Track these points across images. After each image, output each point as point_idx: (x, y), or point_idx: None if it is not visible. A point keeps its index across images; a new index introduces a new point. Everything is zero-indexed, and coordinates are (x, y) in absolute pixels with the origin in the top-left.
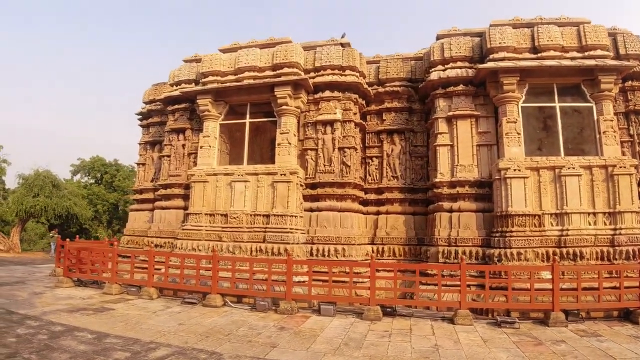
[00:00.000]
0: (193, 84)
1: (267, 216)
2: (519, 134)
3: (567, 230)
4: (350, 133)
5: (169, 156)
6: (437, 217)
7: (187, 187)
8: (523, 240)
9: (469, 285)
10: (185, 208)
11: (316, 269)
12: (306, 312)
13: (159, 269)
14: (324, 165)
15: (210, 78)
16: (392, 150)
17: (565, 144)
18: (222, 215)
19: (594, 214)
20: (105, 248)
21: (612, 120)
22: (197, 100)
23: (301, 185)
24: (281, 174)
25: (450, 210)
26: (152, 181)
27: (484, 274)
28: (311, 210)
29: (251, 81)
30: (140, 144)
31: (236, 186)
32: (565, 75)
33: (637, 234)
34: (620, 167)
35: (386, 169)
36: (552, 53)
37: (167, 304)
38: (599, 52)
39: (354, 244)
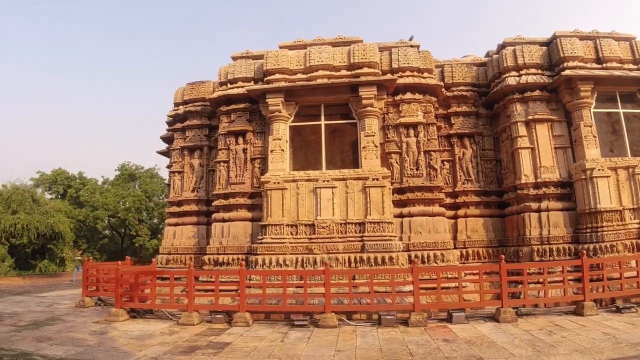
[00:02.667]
0: (252, 82)
1: (361, 224)
2: (595, 137)
3: None
4: (433, 136)
5: (226, 162)
6: (525, 218)
7: (252, 196)
8: (613, 234)
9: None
10: (252, 219)
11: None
12: (435, 322)
13: (228, 290)
14: (411, 169)
15: (278, 76)
16: (463, 154)
17: (631, 146)
18: (306, 225)
19: None
20: (171, 271)
21: None
22: (267, 100)
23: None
24: (373, 179)
25: (538, 210)
26: (193, 191)
27: (578, 268)
28: (401, 215)
29: (326, 80)
30: (173, 149)
31: (322, 193)
32: (626, 85)
33: None
34: None
35: (459, 172)
36: (614, 64)
37: (276, 330)
38: None
39: (449, 249)
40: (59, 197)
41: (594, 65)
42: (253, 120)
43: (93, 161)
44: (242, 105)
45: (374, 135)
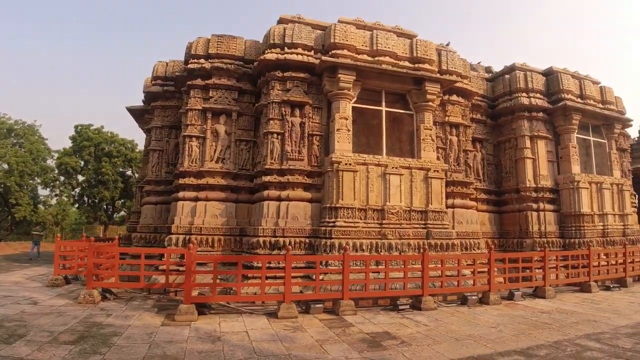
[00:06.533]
0: (312, 51)
1: (423, 212)
2: (577, 156)
3: (607, 225)
4: (469, 137)
5: (280, 134)
6: (528, 215)
7: (310, 174)
8: (590, 232)
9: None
10: (311, 200)
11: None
12: (501, 300)
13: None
14: (454, 165)
15: (345, 52)
16: (474, 157)
17: (597, 167)
18: (374, 210)
19: (614, 215)
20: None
21: (616, 153)
22: (339, 75)
23: None
24: (434, 170)
25: (537, 210)
26: (217, 162)
27: (565, 257)
28: (445, 206)
29: (390, 67)
30: (190, 109)
31: (391, 179)
32: (597, 119)
33: (636, 229)
34: (626, 186)
35: (472, 172)
36: (591, 102)
37: (387, 315)
38: (612, 107)
39: (480, 238)
40: None
41: (579, 100)
42: (310, 93)
43: None
44: (301, 75)
45: (431, 129)
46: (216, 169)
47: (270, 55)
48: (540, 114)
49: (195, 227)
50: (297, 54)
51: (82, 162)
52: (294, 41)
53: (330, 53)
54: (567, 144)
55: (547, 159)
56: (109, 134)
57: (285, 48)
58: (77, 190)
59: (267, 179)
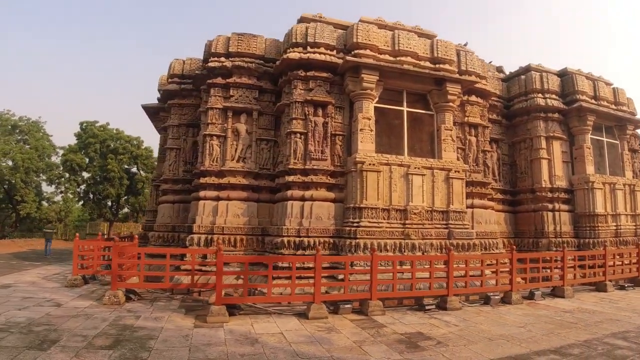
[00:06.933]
0: (334, 51)
1: (444, 212)
2: (591, 157)
3: (620, 226)
4: (487, 137)
5: (303, 134)
6: (544, 215)
7: (333, 174)
8: (604, 232)
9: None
10: (334, 200)
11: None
12: (523, 300)
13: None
14: (473, 166)
15: (368, 52)
16: (491, 157)
17: (610, 167)
18: (397, 210)
19: (627, 215)
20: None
21: (628, 154)
22: (363, 75)
23: None
24: (455, 171)
25: (553, 210)
26: (238, 161)
27: (583, 257)
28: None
29: (411, 67)
30: (211, 108)
31: (414, 180)
32: (609, 120)
33: None
34: (637, 186)
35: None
36: (604, 103)
37: (415, 315)
38: (625, 108)
39: (498, 238)
40: None
41: (593, 101)
42: (332, 93)
43: None
44: (324, 74)
45: (452, 130)
46: (237, 168)
47: (294, 55)
48: (556, 115)
49: (217, 226)
50: (320, 53)
51: (88, 159)
52: (316, 40)
53: (352, 53)
54: (582, 144)
55: (562, 159)
56: (114, 131)
57: (308, 47)
58: (83, 187)
59: (290, 178)
